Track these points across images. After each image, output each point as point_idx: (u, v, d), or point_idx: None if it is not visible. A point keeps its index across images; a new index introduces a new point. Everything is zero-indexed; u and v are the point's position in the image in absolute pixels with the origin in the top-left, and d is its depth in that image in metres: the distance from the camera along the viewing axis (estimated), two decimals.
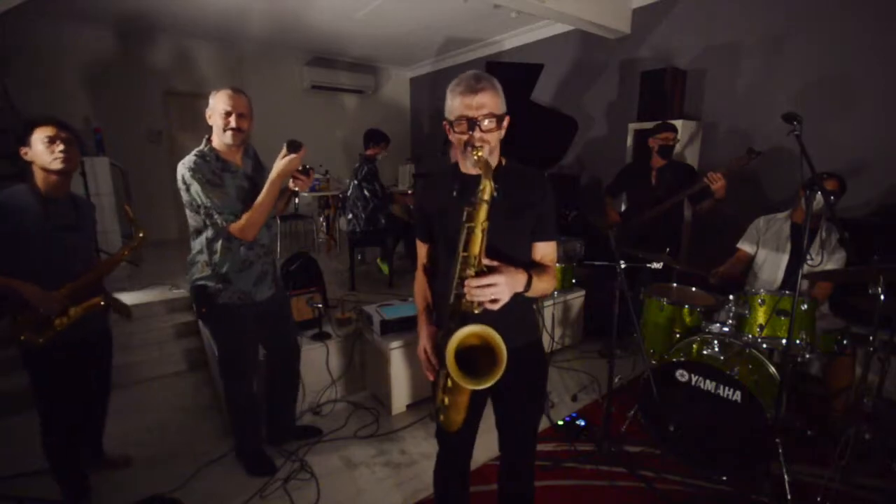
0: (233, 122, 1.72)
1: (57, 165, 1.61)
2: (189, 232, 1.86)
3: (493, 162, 1.19)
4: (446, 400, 1.14)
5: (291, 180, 1.85)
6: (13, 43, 4.51)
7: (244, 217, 1.72)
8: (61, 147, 1.60)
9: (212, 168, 1.73)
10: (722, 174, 2.57)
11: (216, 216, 1.72)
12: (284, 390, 2.23)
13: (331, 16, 4.69)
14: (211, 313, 1.87)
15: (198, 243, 1.83)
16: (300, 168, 1.81)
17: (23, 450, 2.22)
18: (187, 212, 1.80)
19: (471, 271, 1.04)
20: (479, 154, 1.07)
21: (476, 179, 1.15)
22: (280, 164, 1.70)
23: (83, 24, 4.79)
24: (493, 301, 1.02)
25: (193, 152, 1.75)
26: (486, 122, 1.13)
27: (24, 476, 2.02)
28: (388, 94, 7.24)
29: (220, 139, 1.76)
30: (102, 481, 1.99)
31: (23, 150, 1.62)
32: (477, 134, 1.13)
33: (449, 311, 1.10)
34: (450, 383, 1.09)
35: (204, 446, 2.27)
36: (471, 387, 1.01)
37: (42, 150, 1.59)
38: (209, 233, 1.79)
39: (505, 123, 1.19)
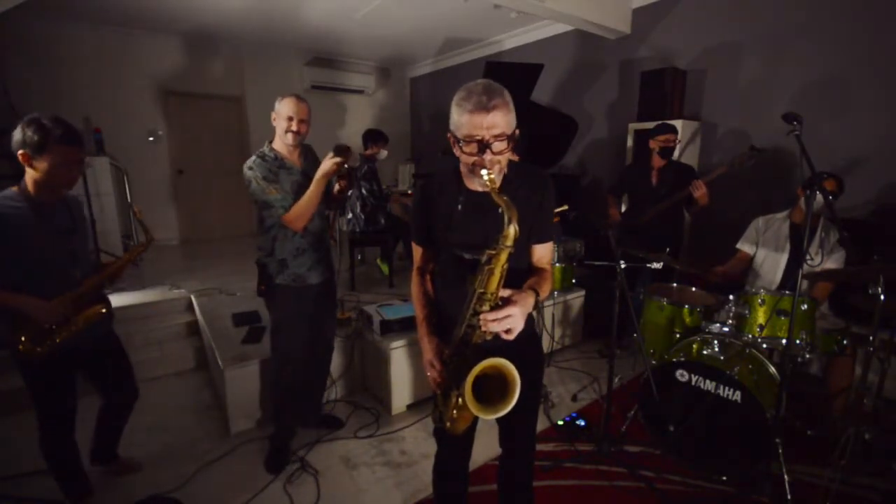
0: (294, 126, 1.94)
1: (67, 187, 1.57)
2: (255, 220, 2.08)
3: (500, 178, 1.17)
4: (455, 413, 1.14)
5: (336, 183, 2.08)
6: (13, 43, 4.50)
7: (293, 209, 1.91)
8: (79, 170, 1.57)
9: (269, 166, 1.93)
10: (719, 174, 2.60)
11: (270, 210, 1.93)
12: (315, 378, 2.37)
13: (331, 16, 4.69)
14: (268, 291, 2.08)
15: (262, 230, 2.05)
16: (345, 170, 2.02)
17: (23, 450, 2.23)
18: (254, 203, 2.01)
19: (486, 307, 1.04)
20: (492, 177, 1.03)
21: (482, 196, 1.14)
22: (325, 164, 1.89)
23: (83, 24, 4.79)
24: (508, 332, 1.02)
25: (256, 153, 1.97)
26: (497, 143, 1.06)
27: (24, 476, 2.02)
28: (388, 94, 7.23)
29: (281, 140, 1.97)
30: (103, 481, 1.99)
31: (25, 155, 1.46)
32: (488, 157, 1.06)
33: (460, 338, 1.11)
34: (461, 402, 1.10)
35: (204, 446, 2.27)
36: (486, 416, 1.03)
37: (60, 171, 1.49)
38: (268, 222, 2.00)
39: (514, 141, 1.11)
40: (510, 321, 1.01)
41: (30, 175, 1.51)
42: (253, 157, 1.95)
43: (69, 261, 1.63)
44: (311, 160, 2.09)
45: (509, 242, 1.01)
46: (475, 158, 1.08)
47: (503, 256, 1.03)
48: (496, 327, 1.01)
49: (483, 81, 1.09)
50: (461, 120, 1.07)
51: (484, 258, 1.04)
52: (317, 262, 2.10)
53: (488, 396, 1.04)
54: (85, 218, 1.79)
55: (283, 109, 1.93)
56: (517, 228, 1.01)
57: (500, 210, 1.07)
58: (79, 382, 1.78)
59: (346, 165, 1.97)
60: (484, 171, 1.04)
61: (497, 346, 1.06)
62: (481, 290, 1.05)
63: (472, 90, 1.06)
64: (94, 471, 1.99)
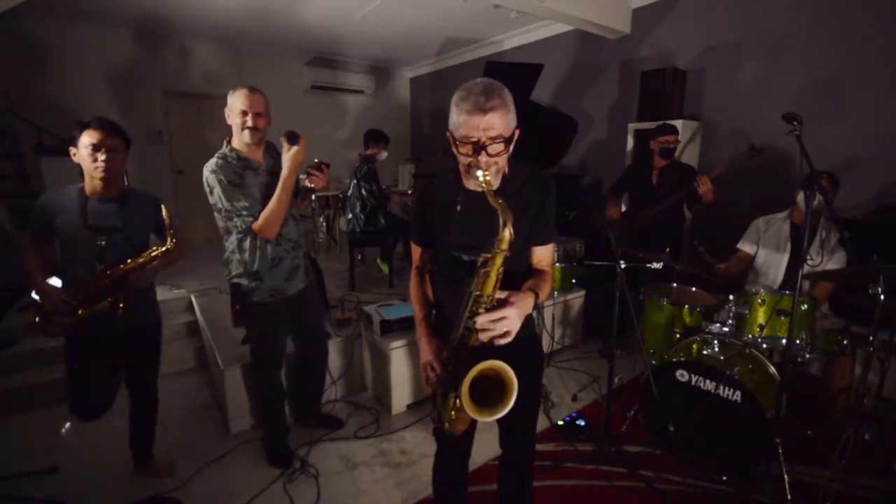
0: (249, 121, 1.76)
1: (97, 175, 1.63)
2: (220, 233, 1.92)
3: (499, 179, 1.16)
4: (454, 415, 1.14)
5: (307, 178, 1.91)
6: (13, 43, 4.50)
7: (262, 215, 1.76)
8: (104, 157, 1.61)
9: (233, 168, 1.77)
10: (719, 173, 2.60)
11: (235, 219, 1.77)
12: (312, 379, 2.35)
13: (331, 16, 4.69)
14: (244, 310, 1.97)
15: (229, 243, 1.89)
16: (315, 163, 1.89)
17: (23, 450, 2.23)
18: (215, 214, 1.85)
19: (482, 308, 1.04)
20: (488, 179, 1.03)
21: (481, 197, 1.10)
22: (287, 158, 1.74)
23: (83, 24, 4.79)
24: (504, 335, 1.01)
25: (216, 154, 1.80)
26: (493, 145, 1.05)
27: (24, 476, 2.01)
28: (388, 94, 7.23)
29: (239, 138, 1.81)
30: (103, 481, 1.99)
31: (72, 151, 1.64)
32: (483, 158, 1.05)
33: (457, 340, 1.10)
34: (459, 404, 1.09)
35: (204, 446, 2.27)
36: (483, 419, 1.03)
37: (86, 156, 1.61)
38: (236, 232, 1.84)
39: (514, 139, 1.10)
40: (505, 323, 0.99)
41: (83, 170, 1.66)
42: (214, 159, 1.77)
43: (95, 254, 1.69)
44: (275, 157, 1.91)
45: (504, 246, 1.01)
46: (470, 159, 1.07)
47: (498, 260, 1.02)
48: (491, 329, 0.99)
49: (483, 81, 1.07)
50: (458, 120, 1.06)
51: (480, 261, 1.04)
52: (294, 270, 1.97)
53: (487, 397, 1.04)
54: (147, 217, 1.82)
55: (236, 103, 1.76)
56: (512, 232, 1.00)
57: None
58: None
59: (316, 160, 1.88)
60: (479, 173, 1.03)
61: (496, 346, 1.05)
62: (477, 293, 1.04)
63: (472, 90, 1.04)
64: (125, 472, 2.05)
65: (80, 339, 1.76)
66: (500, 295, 1.04)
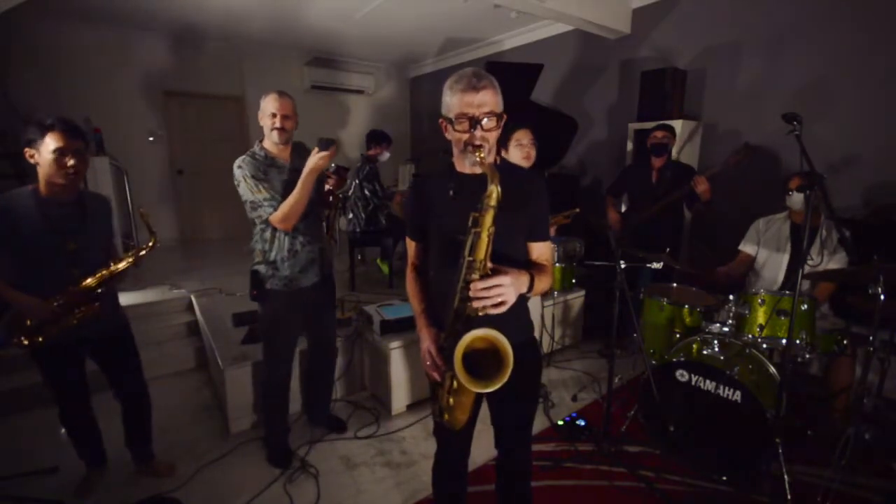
0: (277, 122, 1.90)
1: (62, 180, 1.57)
2: (249, 224, 2.03)
3: (490, 159, 1.20)
4: (451, 400, 1.14)
5: (326, 181, 2.05)
6: (13, 43, 4.50)
7: (280, 208, 1.86)
8: (73, 161, 1.55)
9: (259, 165, 1.90)
10: (714, 173, 2.60)
11: (258, 210, 1.89)
12: (321, 379, 2.38)
13: (331, 16, 4.69)
14: (259, 296, 2.05)
15: (254, 233, 2.02)
16: (333, 168, 2.01)
17: (23, 450, 2.23)
18: (245, 206, 1.96)
19: (476, 275, 1.05)
20: (482, 155, 1.09)
21: (473, 179, 1.19)
22: (310, 160, 1.83)
23: (83, 24, 4.79)
24: (500, 304, 1.03)
25: (247, 152, 1.94)
26: (486, 120, 1.13)
27: (24, 476, 2.02)
28: (388, 94, 7.23)
29: (269, 138, 1.95)
30: (103, 481, 1.99)
31: (28, 153, 1.55)
32: (478, 133, 1.13)
33: (453, 314, 1.11)
34: (455, 385, 1.10)
35: (204, 446, 2.27)
36: (478, 390, 1.03)
37: (50, 160, 1.53)
38: (257, 223, 1.97)
39: (503, 122, 1.19)
40: (499, 291, 1.02)
41: (39, 172, 1.59)
42: (244, 156, 1.91)
43: (67, 259, 1.65)
44: (303, 157, 1.98)
45: (493, 203, 1.04)
46: (466, 135, 1.13)
47: (488, 218, 1.04)
48: (486, 296, 1.01)
49: (472, 68, 1.17)
50: (453, 101, 1.14)
51: (470, 221, 1.07)
52: (310, 263, 2.05)
53: (484, 375, 1.03)
54: (104, 218, 1.83)
55: (267, 106, 1.90)
56: (499, 190, 1.04)
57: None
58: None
59: (334, 165, 1.96)
60: (474, 148, 1.10)
61: (494, 326, 1.05)
62: (470, 258, 1.06)
63: (463, 74, 1.14)
64: (121, 469, 2.06)
65: (58, 348, 1.70)
66: (495, 267, 1.07)
